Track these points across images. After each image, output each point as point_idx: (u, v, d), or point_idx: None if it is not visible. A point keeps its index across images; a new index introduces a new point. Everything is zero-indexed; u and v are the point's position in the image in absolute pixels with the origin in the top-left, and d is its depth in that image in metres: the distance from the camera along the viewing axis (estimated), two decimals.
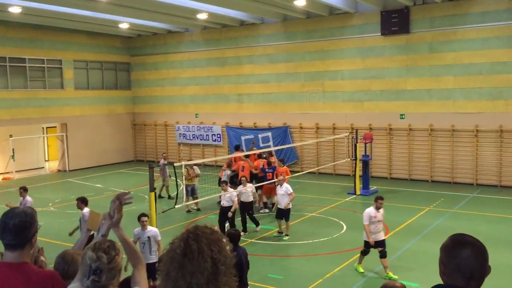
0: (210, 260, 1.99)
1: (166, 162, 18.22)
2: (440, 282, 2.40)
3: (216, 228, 2.15)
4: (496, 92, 18.78)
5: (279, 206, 13.03)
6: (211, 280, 1.98)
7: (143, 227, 9.21)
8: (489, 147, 19.15)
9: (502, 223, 14.09)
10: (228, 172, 16.40)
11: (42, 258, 5.06)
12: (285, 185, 13.10)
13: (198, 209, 16.12)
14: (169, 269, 2.02)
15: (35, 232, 3.19)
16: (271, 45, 23.86)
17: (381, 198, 10.29)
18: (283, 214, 12.97)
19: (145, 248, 8.97)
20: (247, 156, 16.60)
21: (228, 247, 2.08)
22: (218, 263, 2.00)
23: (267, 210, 15.75)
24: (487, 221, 14.24)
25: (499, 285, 8.98)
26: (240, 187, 13.63)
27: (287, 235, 12.93)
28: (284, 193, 12.94)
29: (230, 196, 12.90)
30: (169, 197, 17.61)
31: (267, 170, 15.72)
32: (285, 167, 16.11)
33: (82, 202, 10.58)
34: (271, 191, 15.47)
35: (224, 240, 2.09)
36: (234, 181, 15.58)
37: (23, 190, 11.67)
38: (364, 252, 10.33)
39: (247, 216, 13.46)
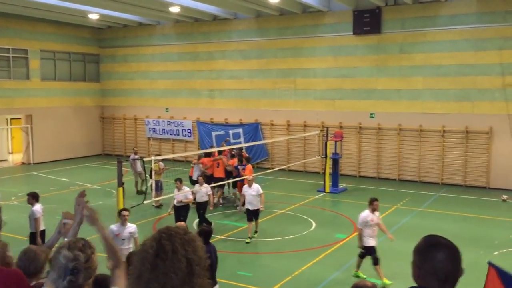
0: (185, 261, 1.90)
1: (137, 156, 17.91)
2: (410, 282, 2.38)
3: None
4: (463, 93, 19.21)
5: (250, 208, 12.58)
6: (186, 281, 1.89)
7: (124, 222, 8.85)
8: (455, 147, 19.58)
9: (467, 221, 14.44)
10: (201, 165, 16.20)
11: (8, 253, 4.84)
12: (255, 185, 12.76)
13: (161, 205, 15.85)
14: (140, 271, 1.92)
15: None
16: (244, 41, 23.76)
17: (376, 200, 9.87)
18: (254, 215, 12.67)
19: (125, 245, 8.62)
20: (220, 153, 16.44)
21: (202, 248, 2.00)
22: (193, 263, 1.91)
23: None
24: (453, 219, 14.55)
25: (465, 283, 9.16)
26: (196, 186, 13.27)
27: (256, 231, 12.82)
28: (256, 193, 12.62)
29: (185, 195, 12.57)
30: (137, 192, 17.30)
31: (239, 167, 15.70)
32: (249, 165, 16.02)
33: (33, 197, 10.08)
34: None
35: (198, 240, 2.01)
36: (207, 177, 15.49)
37: None
38: (362, 255, 9.80)
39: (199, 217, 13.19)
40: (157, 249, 1.91)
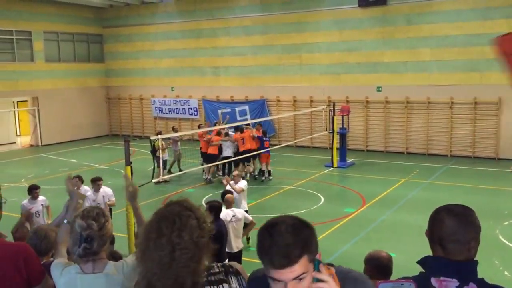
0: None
1: (177, 135, 17.75)
2: (418, 255, 2.34)
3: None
4: (471, 64, 18.94)
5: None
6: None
7: None
8: (463, 119, 19.42)
9: (476, 193, 14.38)
10: (228, 142, 15.78)
11: (26, 224, 4.86)
12: (242, 181, 10.78)
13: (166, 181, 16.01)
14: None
15: None
16: (247, 17, 23.48)
17: None
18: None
19: None
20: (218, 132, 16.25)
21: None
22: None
23: (263, 178, 16.15)
24: (462, 191, 14.51)
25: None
26: (90, 193, 10.11)
27: (248, 237, 10.16)
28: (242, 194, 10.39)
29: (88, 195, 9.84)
30: (169, 171, 16.72)
31: (264, 138, 16.18)
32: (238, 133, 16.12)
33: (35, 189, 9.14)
34: (267, 159, 16.07)
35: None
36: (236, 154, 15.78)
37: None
38: None
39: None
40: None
